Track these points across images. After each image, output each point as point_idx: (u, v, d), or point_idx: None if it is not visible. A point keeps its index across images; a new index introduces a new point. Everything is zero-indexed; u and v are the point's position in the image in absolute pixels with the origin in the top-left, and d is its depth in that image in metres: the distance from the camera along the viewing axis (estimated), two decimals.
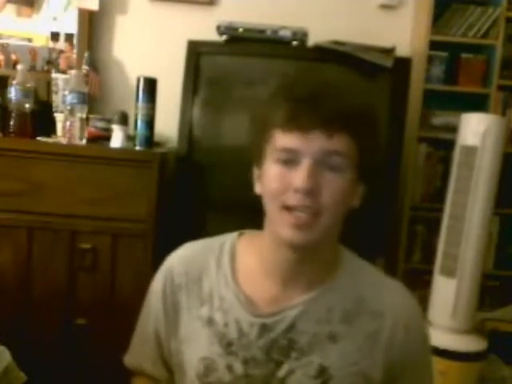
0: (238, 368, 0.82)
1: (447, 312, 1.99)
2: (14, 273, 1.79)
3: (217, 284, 0.86)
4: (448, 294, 1.98)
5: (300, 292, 0.83)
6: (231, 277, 0.86)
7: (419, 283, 2.36)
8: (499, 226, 2.46)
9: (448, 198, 2.04)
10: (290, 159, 0.77)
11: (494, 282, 2.45)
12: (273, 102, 0.81)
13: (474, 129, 1.93)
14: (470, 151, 1.94)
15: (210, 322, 0.84)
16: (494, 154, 1.93)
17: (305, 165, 0.76)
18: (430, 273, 2.11)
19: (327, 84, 0.82)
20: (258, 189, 0.84)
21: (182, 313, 0.87)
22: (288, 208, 0.77)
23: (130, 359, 0.98)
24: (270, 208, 0.80)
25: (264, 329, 0.82)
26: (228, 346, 0.83)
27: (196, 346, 0.85)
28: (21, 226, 1.79)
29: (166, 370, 0.93)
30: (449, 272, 1.98)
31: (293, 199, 0.76)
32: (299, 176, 0.75)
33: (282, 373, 0.81)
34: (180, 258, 0.92)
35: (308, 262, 0.83)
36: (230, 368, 0.82)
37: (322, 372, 0.80)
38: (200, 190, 2.03)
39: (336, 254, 0.88)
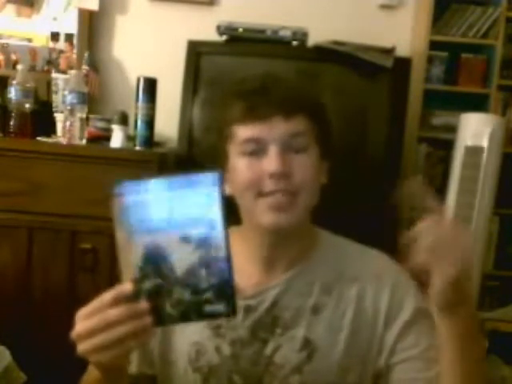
0: (226, 349, 0.85)
1: None
2: (14, 273, 1.79)
3: None
4: None
5: (281, 272, 0.87)
6: None
7: (418, 279, 2.36)
8: (499, 226, 2.46)
9: (450, 198, 2.03)
10: (255, 149, 0.81)
11: (494, 282, 2.45)
12: (227, 101, 0.85)
13: (479, 129, 1.93)
14: (476, 152, 1.93)
15: None
16: (498, 155, 1.94)
17: (273, 151, 0.79)
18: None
19: (275, 75, 0.86)
20: (228, 190, 0.85)
21: None
22: (264, 195, 0.80)
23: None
24: (245, 200, 0.83)
25: (248, 310, 0.85)
26: (216, 329, 0.86)
27: (187, 332, 0.87)
28: (21, 226, 1.79)
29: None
30: None
31: (269, 185, 0.79)
32: (270, 162, 0.79)
33: (268, 350, 0.83)
34: None
35: (288, 244, 0.86)
36: (218, 350, 0.85)
37: (307, 344, 0.83)
38: None
39: (312, 231, 0.91)
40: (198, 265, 0.60)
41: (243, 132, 0.81)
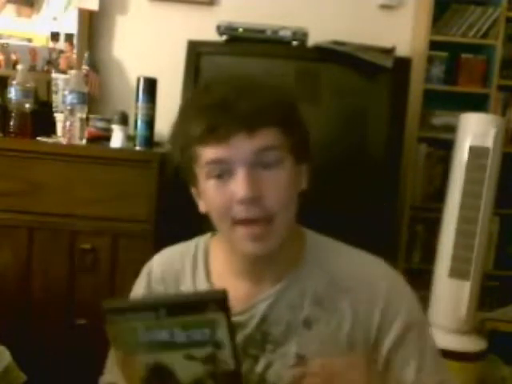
0: None
1: (447, 312, 1.99)
2: (14, 273, 1.79)
3: (193, 286, 0.86)
4: (458, 297, 1.98)
5: (269, 285, 0.82)
6: (205, 279, 0.85)
7: (419, 283, 2.36)
8: (499, 226, 2.46)
9: (450, 199, 2.02)
10: (221, 172, 0.74)
11: (494, 282, 2.45)
12: (186, 116, 0.78)
13: (483, 130, 1.92)
14: (482, 153, 1.93)
15: None
16: (499, 155, 1.94)
17: (240, 173, 0.72)
18: (429, 273, 2.11)
19: (242, 82, 0.78)
20: (201, 207, 0.81)
21: None
22: (238, 222, 0.74)
23: (108, 377, 0.93)
24: (222, 226, 0.78)
25: (238, 326, 0.79)
26: None
27: None
28: (21, 226, 1.78)
29: None
30: (460, 275, 1.97)
31: (241, 212, 0.73)
32: (238, 186, 0.72)
33: (260, 367, 0.79)
34: (158, 264, 0.92)
35: (271, 262, 0.81)
36: None
37: (300, 360, 0.78)
38: None
39: (299, 236, 0.85)
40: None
41: (206, 154, 0.74)
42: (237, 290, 0.80)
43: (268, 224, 0.74)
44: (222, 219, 0.76)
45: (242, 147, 0.72)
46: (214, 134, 0.72)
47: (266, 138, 0.73)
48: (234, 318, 0.79)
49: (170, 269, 0.89)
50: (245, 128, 0.72)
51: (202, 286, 0.85)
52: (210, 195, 0.76)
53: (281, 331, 0.79)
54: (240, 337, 0.79)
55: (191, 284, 0.86)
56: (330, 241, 0.87)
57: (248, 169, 0.72)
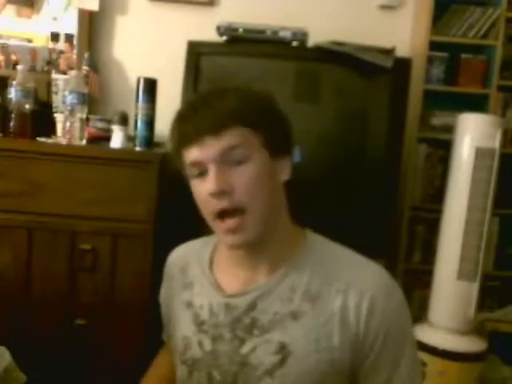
0: (208, 344, 0.88)
1: (451, 313, 1.99)
2: (14, 273, 1.79)
3: (200, 272, 0.96)
4: (463, 298, 1.98)
5: (264, 275, 0.88)
6: (208, 266, 0.95)
7: (419, 283, 2.36)
8: (499, 226, 2.46)
9: (457, 200, 2.00)
10: (200, 172, 0.83)
11: (494, 283, 2.45)
12: (172, 127, 0.89)
13: (488, 130, 1.92)
14: (489, 153, 1.92)
15: (189, 305, 0.94)
16: (499, 155, 1.94)
17: (211, 171, 0.81)
18: (429, 273, 2.11)
19: (207, 93, 0.87)
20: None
21: (174, 299, 0.99)
22: (217, 216, 0.82)
23: (163, 335, 1.10)
24: (208, 221, 0.86)
25: (228, 307, 0.88)
26: (200, 325, 0.90)
27: (179, 327, 0.95)
28: (21, 226, 1.78)
29: None
30: (467, 276, 1.96)
31: (214, 205, 0.81)
32: (209, 182, 0.81)
33: (245, 350, 0.85)
34: (176, 252, 1.06)
35: (260, 253, 0.88)
36: (200, 344, 0.89)
37: (282, 348, 0.83)
38: None
39: (295, 233, 0.91)
40: None
41: (187, 156, 0.84)
42: (234, 276, 0.91)
43: (241, 215, 0.81)
44: (205, 215, 0.85)
45: (210, 148, 0.81)
46: (188, 137, 0.83)
47: (231, 137, 0.81)
48: (227, 299, 0.89)
49: (185, 255, 1.02)
50: (210, 130, 0.80)
51: (205, 271, 0.95)
52: (195, 194, 0.86)
53: (268, 319, 0.85)
54: (230, 317, 0.87)
55: (199, 269, 0.96)
56: (331, 244, 0.91)
57: (217, 166, 0.81)
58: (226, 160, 0.81)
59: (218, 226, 0.84)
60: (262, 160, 0.83)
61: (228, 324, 0.87)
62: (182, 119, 0.86)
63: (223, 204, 0.81)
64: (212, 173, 0.81)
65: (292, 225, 0.92)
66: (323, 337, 0.81)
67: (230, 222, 0.81)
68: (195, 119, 0.82)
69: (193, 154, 0.82)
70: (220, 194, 0.80)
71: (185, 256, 1.01)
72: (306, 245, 0.89)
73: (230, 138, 0.81)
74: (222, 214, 0.82)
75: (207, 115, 0.81)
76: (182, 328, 0.93)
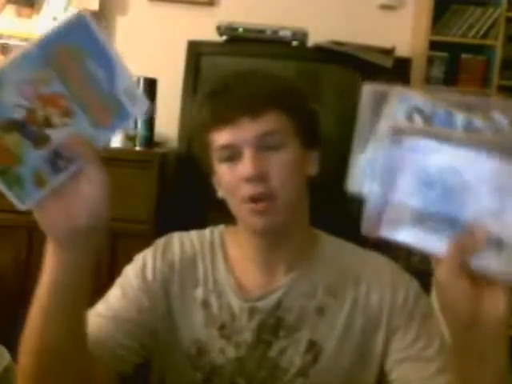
0: (231, 351, 0.82)
1: None
2: (14, 273, 1.79)
3: (211, 267, 0.87)
4: None
5: (282, 274, 0.85)
6: (223, 262, 0.87)
7: (419, 283, 2.36)
8: None
9: None
10: (231, 155, 0.78)
11: None
12: (197, 108, 0.84)
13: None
14: None
15: (205, 304, 0.85)
16: None
17: (246, 154, 0.77)
18: (430, 273, 2.11)
19: (241, 73, 0.83)
20: (220, 193, 0.85)
21: (183, 291, 0.86)
22: (247, 200, 0.78)
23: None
24: (233, 205, 0.82)
25: (252, 312, 0.83)
26: (221, 329, 0.83)
27: (190, 327, 0.84)
28: (21, 226, 1.79)
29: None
30: None
31: (247, 190, 0.77)
32: (244, 166, 0.77)
33: (273, 353, 0.82)
34: (176, 239, 0.94)
35: (283, 246, 0.84)
36: (222, 351, 0.83)
37: (312, 346, 0.81)
38: (200, 190, 2.03)
39: (310, 234, 0.90)
40: None
41: (216, 139, 0.79)
42: (255, 277, 0.85)
43: (271, 201, 0.78)
44: (232, 198, 0.81)
45: (247, 130, 0.76)
46: (222, 119, 0.77)
47: (269, 121, 0.77)
48: (250, 304, 0.83)
49: (188, 244, 0.91)
50: (247, 112, 0.76)
51: (219, 268, 0.87)
52: (223, 178, 0.81)
53: (294, 317, 0.82)
54: (255, 322, 0.82)
55: (210, 263, 0.88)
56: (342, 241, 0.91)
57: (253, 150, 0.77)
58: (262, 145, 0.77)
59: (245, 208, 0.79)
60: (296, 149, 0.80)
61: (253, 328, 0.82)
62: (215, 95, 0.80)
63: (258, 189, 0.77)
64: (248, 157, 0.76)
65: (308, 226, 0.90)
66: (348, 330, 0.81)
67: (261, 204, 0.77)
68: (230, 97, 0.77)
69: (225, 135, 0.78)
70: (256, 179, 0.76)
71: (189, 245, 0.90)
72: (319, 241, 0.88)
73: (268, 122, 0.77)
74: (254, 199, 0.78)
75: (245, 95, 0.76)
76: (194, 329, 0.84)
